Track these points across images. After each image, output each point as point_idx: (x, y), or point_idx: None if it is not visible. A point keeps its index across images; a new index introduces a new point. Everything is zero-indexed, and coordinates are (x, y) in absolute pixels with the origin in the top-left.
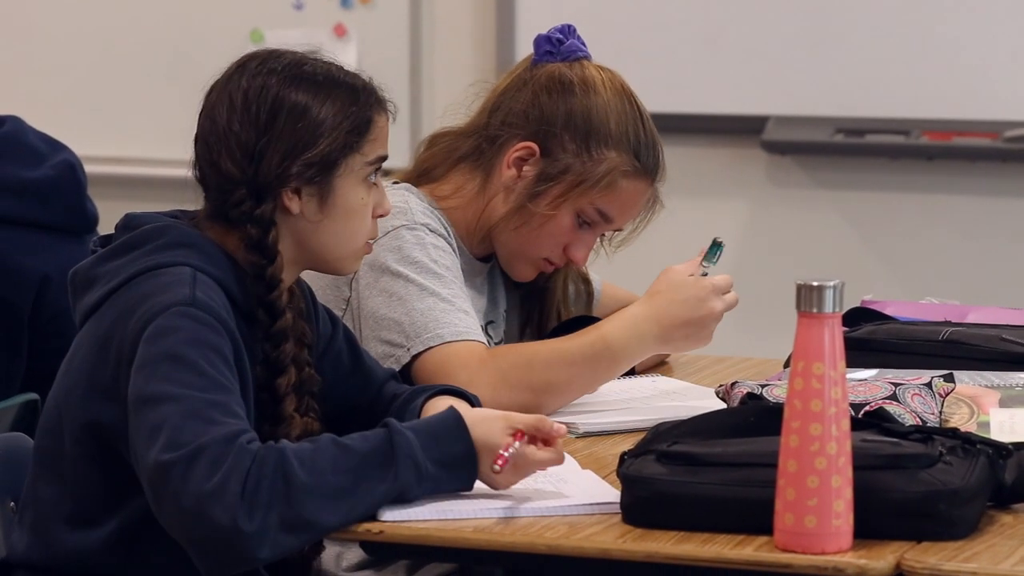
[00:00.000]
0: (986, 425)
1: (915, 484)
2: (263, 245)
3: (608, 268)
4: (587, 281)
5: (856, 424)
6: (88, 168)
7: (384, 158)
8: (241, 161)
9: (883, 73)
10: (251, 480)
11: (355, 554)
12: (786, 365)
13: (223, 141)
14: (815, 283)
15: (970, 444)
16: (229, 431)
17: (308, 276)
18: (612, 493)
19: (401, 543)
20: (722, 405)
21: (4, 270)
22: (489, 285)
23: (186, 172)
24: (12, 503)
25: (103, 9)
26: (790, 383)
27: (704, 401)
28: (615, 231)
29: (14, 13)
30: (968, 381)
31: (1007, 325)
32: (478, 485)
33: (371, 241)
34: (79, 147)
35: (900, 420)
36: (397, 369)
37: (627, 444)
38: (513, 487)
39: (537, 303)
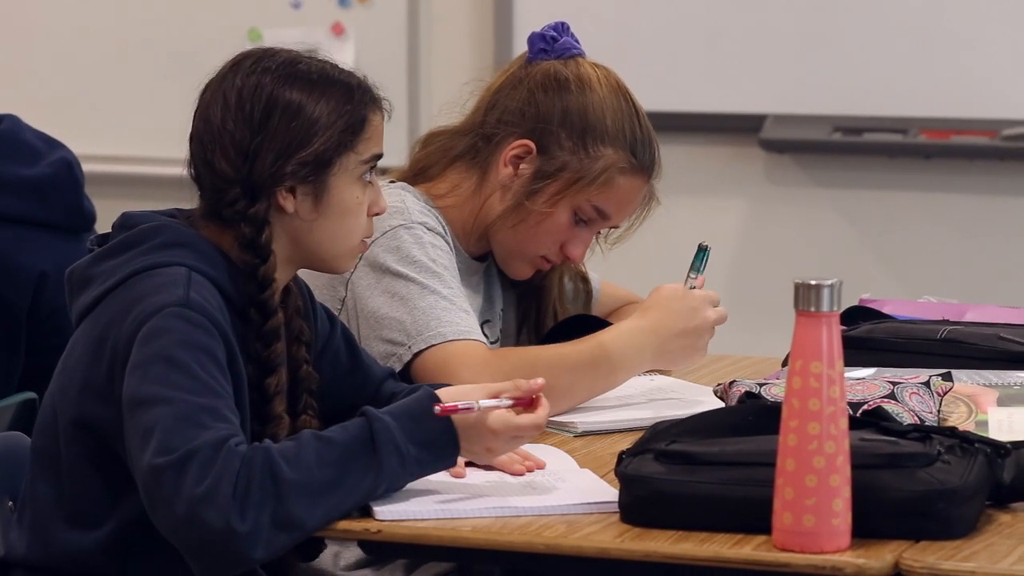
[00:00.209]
0: (984, 424)
1: (913, 483)
2: (256, 244)
3: (606, 266)
4: (586, 280)
5: (854, 423)
6: (86, 167)
7: (379, 156)
8: (235, 160)
9: (881, 72)
10: (241, 481)
11: (353, 553)
12: (784, 364)
13: (217, 140)
14: (813, 282)
15: (968, 443)
16: (218, 435)
17: (304, 276)
18: (610, 492)
19: (399, 542)
20: (720, 404)
21: (2, 268)
22: (485, 284)
23: (183, 171)
24: (10, 502)
25: (101, 8)
26: (788, 382)
27: (702, 400)
28: (611, 228)
29: (12, 12)
30: (966, 380)
31: (1005, 324)
32: (474, 484)
33: (367, 239)
34: (77, 146)
35: (898, 419)
36: (398, 368)
37: (625, 443)
38: (513, 488)
39: (533, 302)
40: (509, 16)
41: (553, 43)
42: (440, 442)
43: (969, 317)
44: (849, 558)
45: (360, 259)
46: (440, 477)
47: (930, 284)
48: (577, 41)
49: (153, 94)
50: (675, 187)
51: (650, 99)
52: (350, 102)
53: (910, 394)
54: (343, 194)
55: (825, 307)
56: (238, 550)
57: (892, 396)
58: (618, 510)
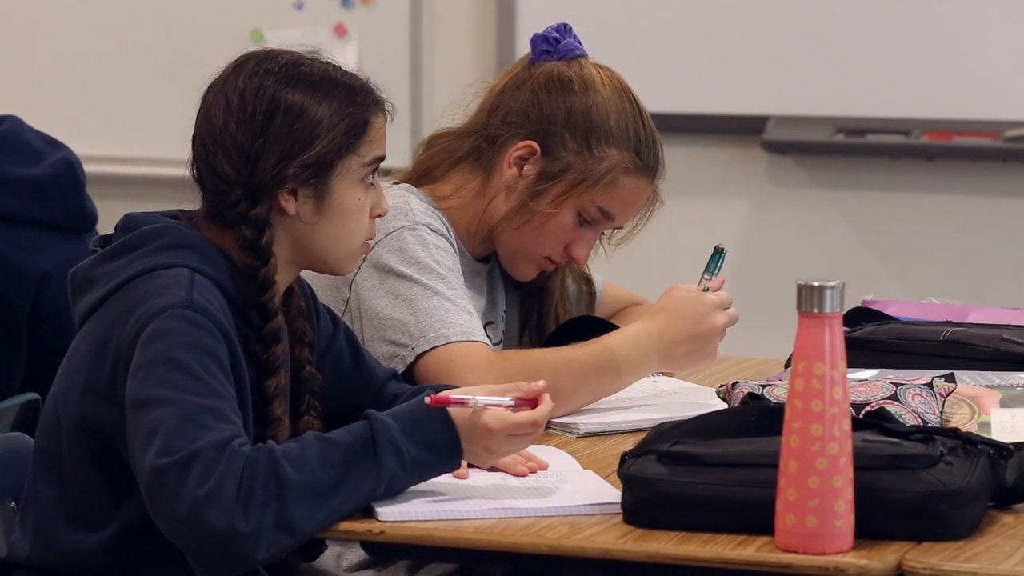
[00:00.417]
0: (987, 425)
1: (916, 484)
2: (257, 246)
3: (610, 267)
4: (589, 281)
5: (857, 424)
6: (88, 167)
7: (381, 159)
8: (237, 162)
9: (883, 73)
10: (245, 482)
11: (355, 554)
12: (787, 365)
13: (219, 142)
14: (816, 283)
15: (971, 444)
16: (222, 436)
17: (307, 276)
18: (613, 493)
19: (402, 543)
20: (723, 405)
21: (3, 268)
22: (488, 285)
23: (186, 172)
24: (13, 503)
25: (103, 8)
26: (791, 383)
27: (705, 401)
28: (615, 229)
29: (13, 13)
30: (969, 381)
31: (1008, 325)
32: (477, 485)
33: (369, 241)
34: (79, 146)
35: (901, 420)
36: (402, 369)
37: (628, 444)
38: (516, 489)
39: (536, 303)
40: (512, 17)
41: (556, 44)
42: (442, 445)
43: (972, 318)
44: (852, 559)
45: (364, 260)
46: (442, 478)
47: (933, 285)
48: (580, 42)
49: (155, 95)
50: (678, 188)
51: (652, 100)
52: (352, 104)
53: (913, 395)
54: (345, 196)
55: (828, 308)
56: (240, 551)
57: (895, 397)
58: (621, 511)
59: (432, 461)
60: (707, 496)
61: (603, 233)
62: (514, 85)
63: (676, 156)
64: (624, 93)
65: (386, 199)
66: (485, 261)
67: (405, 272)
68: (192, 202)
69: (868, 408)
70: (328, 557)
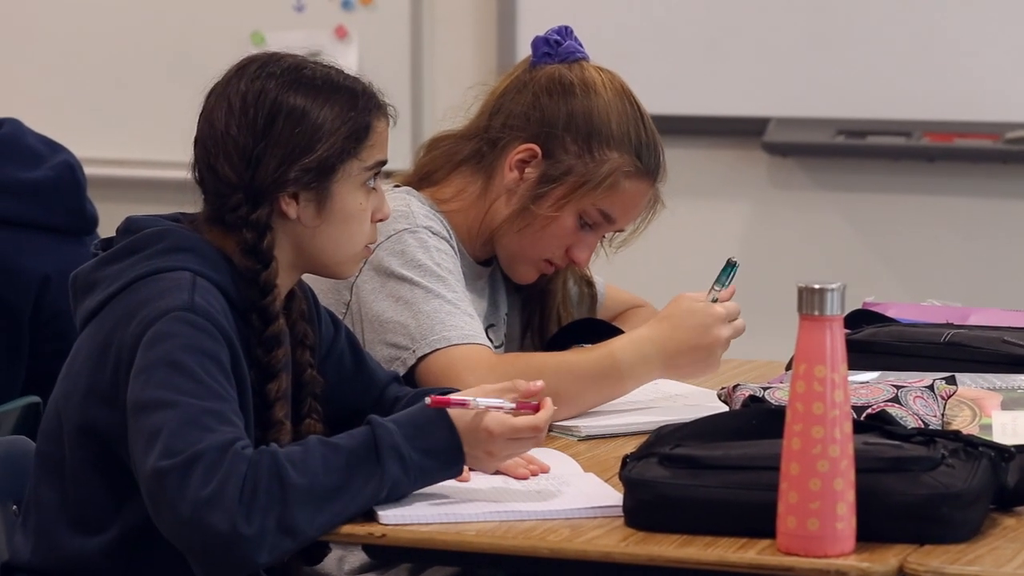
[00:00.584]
0: (988, 427)
1: (917, 487)
2: (258, 250)
3: (611, 269)
4: (590, 284)
5: (858, 427)
6: (88, 170)
7: (383, 163)
8: (238, 165)
9: (884, 74)
10: (248, 484)
11: (357, 557)
12: (788, 367)
13: (221, 145)
14: (816, 285)
15: (972, 447)
16: (224, 439)
17: (308, 279)
18: (614, 496)
19: (403, 546)
20: (724, 408)
21: (4, 271)
22: (490, 288)
23: (187, 174)
24: (14, 506)
25: (103, 11)
26: (792, 386)
27: (706, 404)
28: (616, 232)
29: (14, 15)
30: (970, 383)
31: (1009, 327)
32: (479, 488)
33: (370, 245)
34: (79, 149)
35: (902, 423)
36: (403, 372)
37: (629, 447)
38: (518, 492)
39: (538, 306)
40: (512, 20)
41: (557, 47)
42: (444, 450)
43: (973, 320)
44: (853, 562)
45: (365, 263)
46: (444, 481)
47: (934, 287)
48: (581, 45)
49: (156, 97)
50: (678, 190)
51: (653, 102)
52: (354, 108)
53: (914, 398)
54: (346, 200)
55: (829, 311)
56: (242, 554)
57: (896, 400)
58: (622, 514)
59: (434, 467)
60: (709, 499)
61: (604, 236)
62: (515, 88)
63: (677, 158)
64: (625, 96)
65: (388, 203)
66: (486, 264)
67: (406, 275)
68: (194, 205)
69: (869, 410)
70: (330, 560)
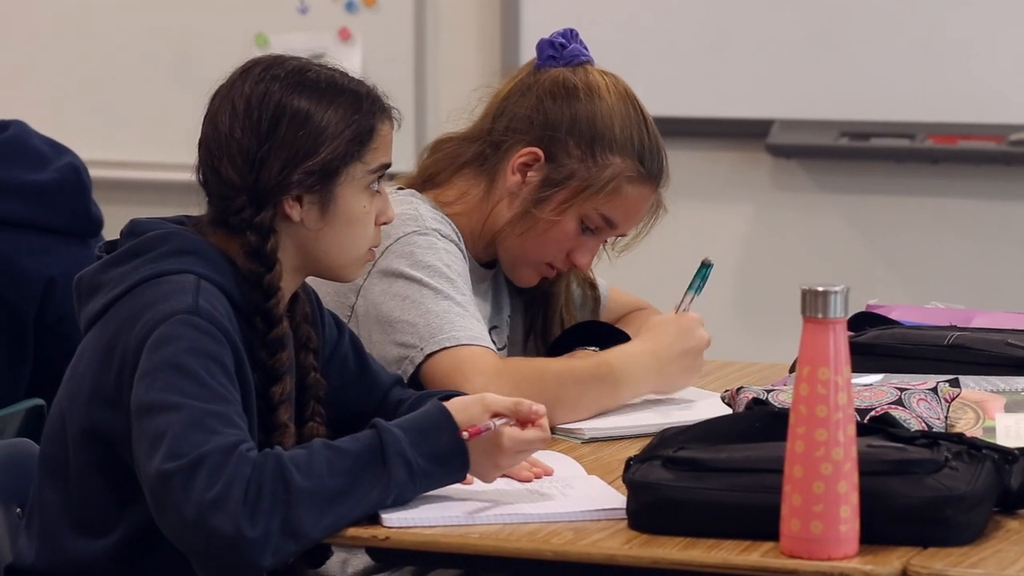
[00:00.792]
0: (992, 430)
1: (921, 489)
2: (261, 253)
3: (613, 271)
4: (593, 286)
5: (862, 429)
6: (93, 172)
7: (387, 166)
8: (242, 168)
9: (888, 76)
10: (252, 487)
11: (361, 560)
12: (791, 370)
13: (225, 147)
14: (820, 288)
15: (976, 449)
16: (228, 441)
17: (312, 282)
18: (618, 499)
19: (407, 549)
20: (728, 410)
21: (9, 273)
22: (493, 290)
23: (191, 176)
24: (18, 509)
25: (107, 13)
26: (795, 388)
27: (710, 406)
28: (618, 236)
29: (18, 17)
30: (973, 386)
31: (1012, 330)
32: (482, 491)
33: (374, 248)
34: (84, 151)
35: (906, 425)
36: (410, 371)
37: (633, 449)
38: (521, 494)
39: (541, 308)
40: (516, 22)
41: (562, 50)
42: (449, 457)
43: (976, 323)
44: (857, 564)
45: (372, 266)
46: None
47: (937, 290)
48: (586, 48)
49: (160, 99)
50: (681, 192)
51: (657, 104)
52: (358, 111)
53: (917, 400)
54: (350, 203)
55: (832, 313)
56: (246, 556)
57: (899, 402)
58: (626, 517)
59: (439, 473)
60: (712, 501)
61: (607, 240)
62: (519, 91)
63: (680, 160)
64: (629, 100)
65: (392, 206)
66: (489, 266)
67: (415, 276)
68: (198, 207)
69: (873, 413)
70: (333, 563)
